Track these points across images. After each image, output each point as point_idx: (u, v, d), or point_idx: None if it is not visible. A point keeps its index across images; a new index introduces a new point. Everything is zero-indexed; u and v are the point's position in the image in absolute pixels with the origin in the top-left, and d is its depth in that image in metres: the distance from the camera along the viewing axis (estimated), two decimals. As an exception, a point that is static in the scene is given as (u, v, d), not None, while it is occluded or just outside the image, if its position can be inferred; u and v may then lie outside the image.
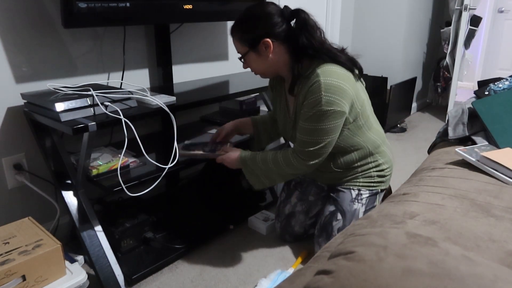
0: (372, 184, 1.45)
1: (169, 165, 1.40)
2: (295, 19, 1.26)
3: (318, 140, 1.25)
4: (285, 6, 1.29)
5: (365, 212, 1.45)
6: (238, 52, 1.33)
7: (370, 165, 1.43)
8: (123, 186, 1.29)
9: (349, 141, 1.35)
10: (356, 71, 1.30)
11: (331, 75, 1.22)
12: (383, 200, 1.82)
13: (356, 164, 1.42)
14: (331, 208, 1.47)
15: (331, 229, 1.46)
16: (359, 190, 1.45)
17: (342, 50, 1.32)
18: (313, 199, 1.58)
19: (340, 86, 1.21)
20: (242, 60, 1.34)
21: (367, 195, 1.45)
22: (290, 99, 1.42)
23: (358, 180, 1.44)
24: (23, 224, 1.22)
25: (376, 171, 1.44)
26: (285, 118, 1.46)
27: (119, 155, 1.44)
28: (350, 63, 1.29)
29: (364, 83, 1.40)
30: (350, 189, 1.45)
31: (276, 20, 1.25)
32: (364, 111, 1.33)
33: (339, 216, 1.45)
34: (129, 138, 1.60)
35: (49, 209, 1.63)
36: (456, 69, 3.21)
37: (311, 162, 1.29)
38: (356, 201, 1.44)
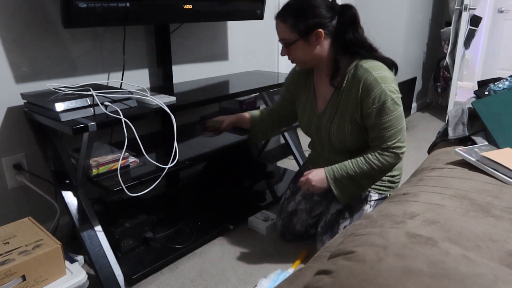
0: (382, 188, 1.46)
1: (169, 165, 1.40)
2: (343, 14, 1.29)
3: (398, 128, 1.29)
4: (333, 0, 1.32)
5: None
6: (283, 38, 1.32)
7: None
8: (123, 186, 1.29)
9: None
10: (393, 68, 1.35)
11: (380, 69, 1.27)
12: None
13: None
14: (339, 206, 1.47)
15: (337, 227, 1.46)
16: (368, 192, 1.45)
17: (377, 50, 1.36)
18: (318, 199, 1.57)
19: (391, 77, 1.28)
20: (285, 46, 1.34)
21: (376, 197, 1.45)
22: (320, 94, 1.43)
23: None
24: (23, 224, 1.22)
25: (388, 175, 1.46)
26: (312, 113, 1.46)
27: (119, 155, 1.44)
28: (388, 60, 1.33)
29: None
30: None
31: (328, 13, 1.28)
32: None
33: (347, 215, 1.45)
34: (129, 138, 1.60)
35: (49, 209, 1.63)
36: (456, 69, 3.21)
37: (403, 150, 1.32)
38: (366, 202, 1.44)
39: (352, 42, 1.29)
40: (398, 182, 1.51)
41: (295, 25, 1.28)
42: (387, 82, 1.25)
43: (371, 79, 1.25)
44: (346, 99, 1.33)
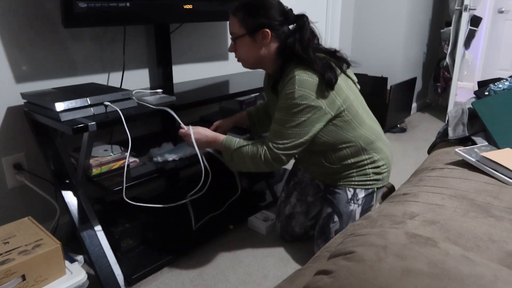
0: (368, 183, 1.44)
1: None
2: (295, 24, 1.30)
3: (289, 132, 1.26)
4: (290, 9, 1.33)
5: (362, 212, 1.45)
6: (233, 32, 1.34)
7: (365, 162, 1.42)
8: (125, 186, 1.29)
9: (337, 136, 1.35)
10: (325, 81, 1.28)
11: (305, 73, 1.24)
12: (384, 198, 1.81)
13: (349, 161, 1.41)
14: (328, 210, 1.47)
15: (329, 231, 1.46)
16: (354, 190, 1.44)
17: (334, 52, 1.35)
18: (312, 199, 1.58)
19: (314, 82, 1.24)
20: (233, 41, 1.35)
21: (363, 195, 1.44)
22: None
23: (353, 178, 1.43)
24: (23, 224, 1.22)
25: (372, 167, 1.43)
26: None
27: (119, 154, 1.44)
28: (322, 71, 1.26)
29: (354, 79, 1.42)
30: (345, 189, 1.44)
31: (281, 17, 1.29)
32: (350, 106, 1.33)
33: (336, 218, 1.45)
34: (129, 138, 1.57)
35: (49, 209, 1.63)
36: (456, 69, 3.21)
37: (279, 156, 1.27)
38: (352, 201, 1.43)
39: (296, 52, 1.27)
40: (385, 172, 1.47)
41: (244, 20, 1.29)
42: (303, 87, 1.22)
43: (291, 79, 1.24)
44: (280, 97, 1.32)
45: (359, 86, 1.45)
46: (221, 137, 1.38)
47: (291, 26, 1.32)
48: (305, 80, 1.23)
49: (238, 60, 1.39)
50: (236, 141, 1.35)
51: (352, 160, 1.41)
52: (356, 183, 1.43)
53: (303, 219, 1.59)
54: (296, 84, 1.23)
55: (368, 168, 1.43)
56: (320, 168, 1.47)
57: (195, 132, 1.37)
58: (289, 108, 1.25)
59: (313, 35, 1.32)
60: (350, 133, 1.36)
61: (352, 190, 1.44)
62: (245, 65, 1.40)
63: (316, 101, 1.25)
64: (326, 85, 1.26)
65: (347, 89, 1.34)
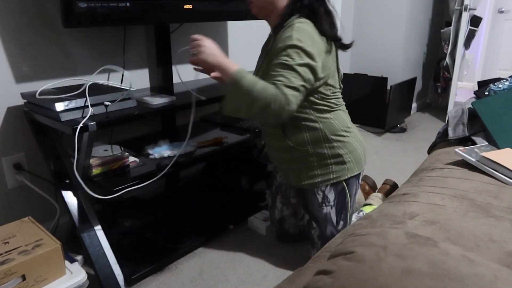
0: (331, 176, 1.36)
1: (168, 167, 1.40)
2: None
3: (296, 68, 1.17)
4: None
5: (338, 212, 1.39)
6: None
7: (325, 152, 1.34)
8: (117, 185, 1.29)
9: (300, 108, 1.29)
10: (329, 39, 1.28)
11: (305, 23, 1.23)
12: (387, 195, 1.81)
13: (308, 147, 1.33)
14: (307, 216, 1.46)
15: (312, 237, 1.46)
16: (323, 192, 1.38)
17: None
18: (295, 201, 1.55)
19: (312, 35, 1.21)
20: None
21: (333, 194, 1.38)
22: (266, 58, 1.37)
23: (315, 171, 1.35)
24: (23, 224, 1.22)
25: (331, 158, 1.34)
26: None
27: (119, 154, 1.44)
28: (328, 28, 1.27)
29: (341, 72, 1.41)
30: (315, 193, 1.39)
31: None
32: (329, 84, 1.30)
33: (314, 224, 1.43)
34: (129, 138, 1.59)
35: (49, 209, 1.63)
36: (456, 70, 3.22)
37: (290, 97, 1.14)
38: (324, 205, 1.39)
39: (309, 4, 1.26)
40: (350, 161, 1.36)
41: None
42: (301, 33, 1.19)
43: (290, 26, 1.22)
44: (274, 47, 1.26)
45: (341, 85, 1.42)
46: (234, 64, 1.22)
47: None
48: (303, 28, 1.20)
49: (249, 3, 1.34)
50: (249, 74, 1.19)
51: (311, 144, 1.33)
52: (320, 179, 1.36)
53: (294, 221, 1.58)
54: (295, 30, 1.19)
55: (329, 159, 1.34)
56: (280, 152, 1.39)
57: (209, 46, 1.23)
58: (287, 52, 1.18)
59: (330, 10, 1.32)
60: (313, 112, 1.30)
61: (321, 193, 1.38)
62: (254, 10, 1.35)
63: (311, 49, 1.19)
64: (325, 36, 1.25)
65: (328, 66, 1.30)
